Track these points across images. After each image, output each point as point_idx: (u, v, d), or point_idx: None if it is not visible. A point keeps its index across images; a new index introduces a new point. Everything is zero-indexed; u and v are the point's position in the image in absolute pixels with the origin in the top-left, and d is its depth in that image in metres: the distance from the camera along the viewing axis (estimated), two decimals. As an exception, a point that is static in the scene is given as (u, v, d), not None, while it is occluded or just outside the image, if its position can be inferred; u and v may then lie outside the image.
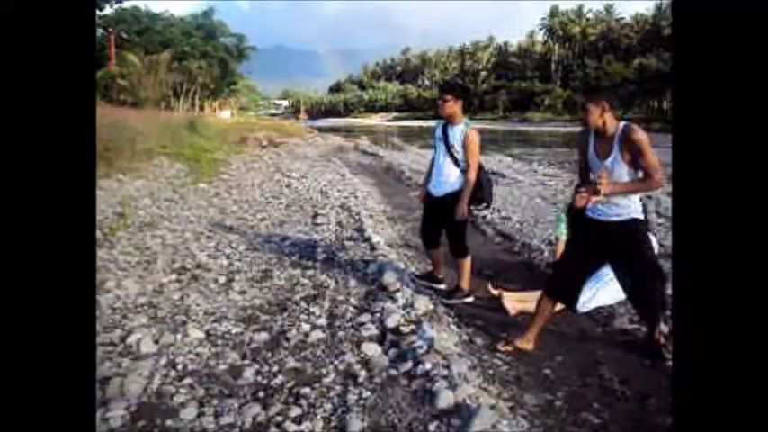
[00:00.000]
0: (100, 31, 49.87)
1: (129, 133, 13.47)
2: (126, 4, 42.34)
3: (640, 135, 3.76)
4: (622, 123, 3.86)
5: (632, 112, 71.53)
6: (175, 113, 29.06)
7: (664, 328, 4.41)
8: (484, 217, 9.46)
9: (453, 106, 5.24)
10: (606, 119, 3.85)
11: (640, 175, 3.85)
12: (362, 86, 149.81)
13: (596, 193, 3.78)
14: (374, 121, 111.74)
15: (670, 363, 4.05)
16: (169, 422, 3.26)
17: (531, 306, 4.70)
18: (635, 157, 3.80)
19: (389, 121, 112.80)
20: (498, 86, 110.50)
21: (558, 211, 7.76)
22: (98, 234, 7.09)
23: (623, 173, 3.87)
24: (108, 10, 42.98)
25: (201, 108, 46.15)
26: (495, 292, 5.36)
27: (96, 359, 3.34)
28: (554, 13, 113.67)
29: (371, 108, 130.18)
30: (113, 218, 8.10)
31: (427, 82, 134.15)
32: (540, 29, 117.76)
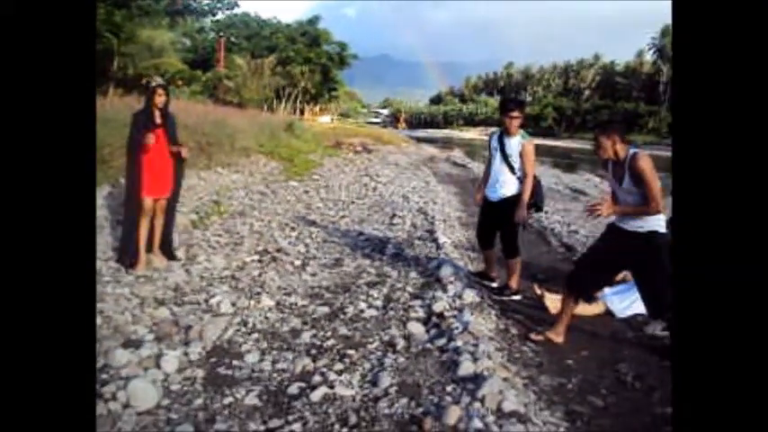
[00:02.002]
0: (211, 35, 52.96)
1: (231, 130, 14.60)
2: (237, 11, 44.76)
3: (643, 163, 4.22)
4: (631, 151, 4.32)
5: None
6: (276, 115, 30.46)
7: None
8: (552, 229, 9.84)
9: (520, 121, 5.75)
10: (618, 149, 4.33)
11: None
12: (463, 99, 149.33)
13: (594, 212, 4.27)
14: (472, 134, 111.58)
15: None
16: (235, 362, 4.04)
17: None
18: (638, 182, 4.25)
19: (488, 135, 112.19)
20: (601, 106, 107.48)
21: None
22: (194, 217, 8.02)
23: (637, 195, 4.31)
24: (220, 15, 45.69)
25: (302, 112, 47.94)
26: (538, 291, 5.80)
27: (96, 358, 3.67)
28: (665, 32, 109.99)
29: (471, 121, 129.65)
30: (210, 205, 9.06)
31: (529, 98, 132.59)
32: (650, 48, 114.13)
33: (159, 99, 5.89)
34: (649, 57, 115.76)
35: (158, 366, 3.83)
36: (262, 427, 3.36)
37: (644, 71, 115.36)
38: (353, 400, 3.62)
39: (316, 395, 3.61)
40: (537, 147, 6.06)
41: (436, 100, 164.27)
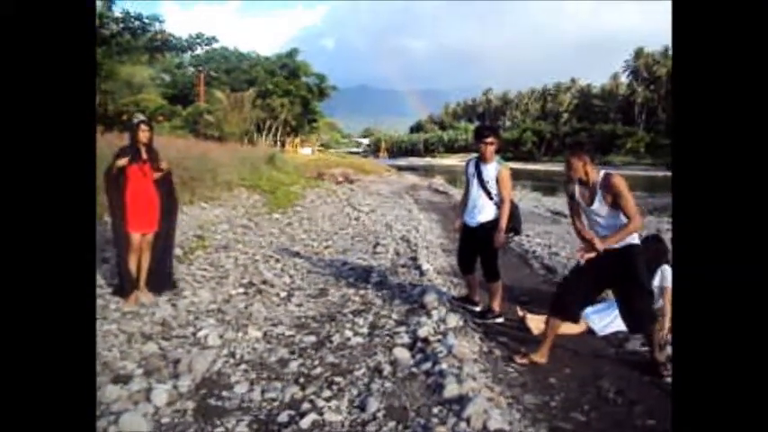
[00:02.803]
0: (191, 70, 53.19)
1: (212, 165, 14.70)
2: (216, 45, 45.12)
3: (617, 180, 4.38)
4: (603, 172, 4.49)
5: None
6: (257, 148, 30.61)
7: (668, 350, 4.91)
8: (534, 252, 10.00)
9: (495, 147, 5.93)
10: (588, 170, 4.49)
11: (621, 217, 4.44)
12: (443, 126, 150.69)
13: (592, 250, 4.43)
14: (453, 160, 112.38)
15: (666, 380, 4.54)
16: (224, 393, 4.10)
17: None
18: (615, 202, 4.41)
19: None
20: (579, 129, 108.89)
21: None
22: (179, 252, 8.07)
23: (606, 215, 4.49)
24: (199, 50, 45.97)
25: (283, 144, 48.18)
26: (521, 313, 5.92)
27: (96, 363, 3.79)
28: (639, 54, 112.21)
29: (451, 148, 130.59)
30: (193, 239, 9.12)
31: (509, 123, 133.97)
32: (625, 70, 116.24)
33: (144, 135, 6.00)
34: (624, 79, 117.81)
35: (148, 400, 3.88)
36: (253, 456, 3.43)
37: (620, 93, 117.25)
38: (342, 425, 3.70)
39: (305, 422, 3.67)
40: (518, 171, 6.24)
41: (416, 128, 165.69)
